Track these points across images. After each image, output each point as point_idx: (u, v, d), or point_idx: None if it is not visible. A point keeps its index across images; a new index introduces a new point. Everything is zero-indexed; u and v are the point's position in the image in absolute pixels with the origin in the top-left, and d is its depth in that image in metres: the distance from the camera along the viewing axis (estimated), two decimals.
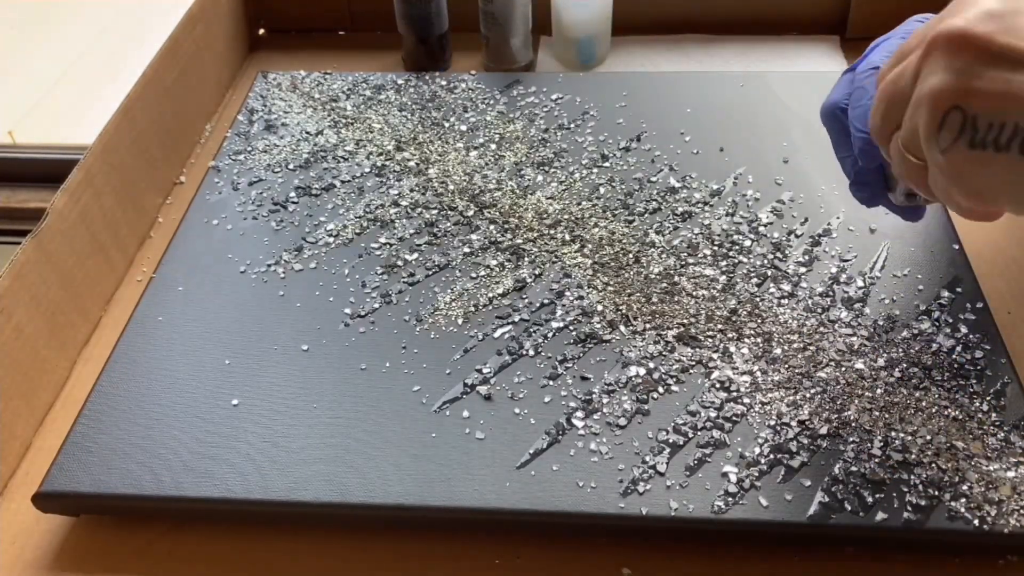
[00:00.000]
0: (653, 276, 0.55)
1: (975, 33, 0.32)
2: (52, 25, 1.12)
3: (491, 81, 0.74)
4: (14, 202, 0.76)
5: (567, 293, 0.54)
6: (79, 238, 0.56)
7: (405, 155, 0.66)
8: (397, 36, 0.77)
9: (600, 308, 0.53)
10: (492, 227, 0.59)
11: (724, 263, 0.55)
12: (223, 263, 0.58)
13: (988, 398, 0.46)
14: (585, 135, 0.67)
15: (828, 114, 0.46)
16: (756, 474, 0.43)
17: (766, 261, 0.55)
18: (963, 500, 0.42)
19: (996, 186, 0.33)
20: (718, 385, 0.48)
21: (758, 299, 0.53)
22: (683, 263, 0.55)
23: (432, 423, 0.47)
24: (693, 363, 0.49)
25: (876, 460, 0.44)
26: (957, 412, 0.46)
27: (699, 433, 0.45)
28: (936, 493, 0.42)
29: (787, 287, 0.53)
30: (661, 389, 0.48)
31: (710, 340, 0.50)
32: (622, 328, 0.51)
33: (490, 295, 0.54)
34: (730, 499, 0.43)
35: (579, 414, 0.47)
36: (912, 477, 0.43)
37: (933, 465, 0.43)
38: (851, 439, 0.45)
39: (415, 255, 0.57)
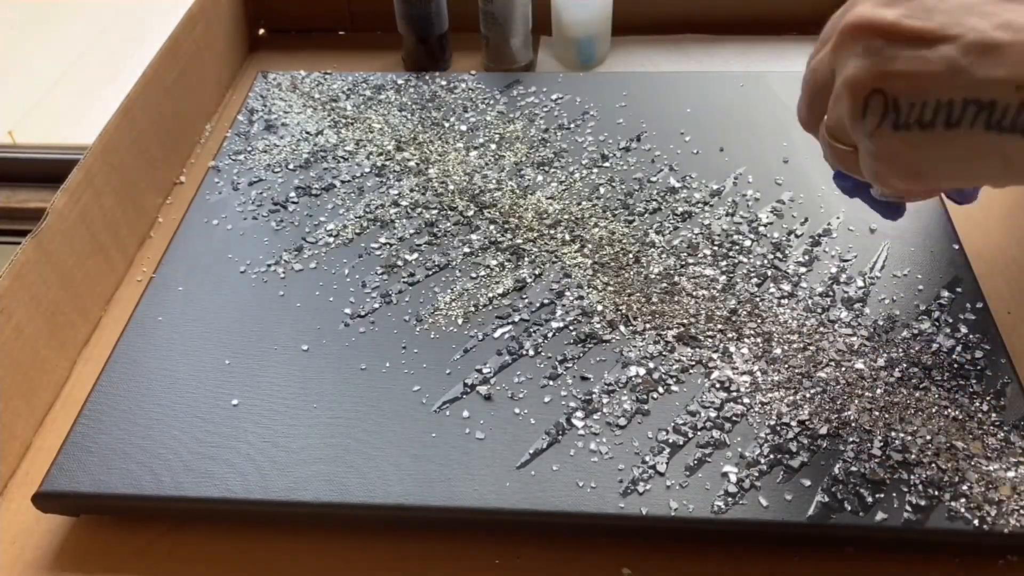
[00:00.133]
0: (653, 276, 0.55)
1: (883, 17, 0.32)
2: (52, 25, 1.12)
3: (491, 81, 0.74)
4: (14, 202, 0.76)
5: (567, 293, 0.54)
6: (79, 238, 0.56)
7: (405, 155, 0.66)
8: (397, 36, 0.77)
9: (600, 308, 0.53)
10: (492, 227, 0.59)
11: (724, 263, 0.55)
12: (223, 263, 0.58)
13: (988, 398, 0.46)
14: (585, 135, 0.67)
15: None
16: (756, 474, 0.43)
17: (766, 261, 0.55)
18: (963, 500, 0.42)
19: (928, 164, 0.33)
20: (718, 385, 0.48)
21: (758, 299, 0.53)
22: (683, 263, 0.55)
23: (432, 423, 0.47)
24: (693, 363, 0.49)
25: (876, 460, 0.44)
26: (957, 412, 0.46)
27: (699, 433, 0.45)
28: (936, 493, 0.42)
29: (787, 287, 0.53)
30: (661, 389, 0.48)
31: (710, 340, 0.50)
32: (622, 328, 0.51)
33: (490, 295, 0.54)
34: (730, 499, 0.43)
35: (579, 414, 0.47)
36: (912, 477, 0.43)
37: (933, 465, 0.43)
38: (851, 439, 0.45)
39: (415, 255, 0.57)
